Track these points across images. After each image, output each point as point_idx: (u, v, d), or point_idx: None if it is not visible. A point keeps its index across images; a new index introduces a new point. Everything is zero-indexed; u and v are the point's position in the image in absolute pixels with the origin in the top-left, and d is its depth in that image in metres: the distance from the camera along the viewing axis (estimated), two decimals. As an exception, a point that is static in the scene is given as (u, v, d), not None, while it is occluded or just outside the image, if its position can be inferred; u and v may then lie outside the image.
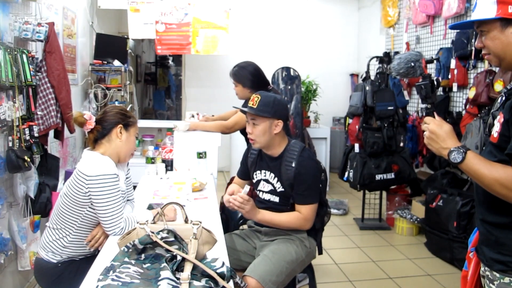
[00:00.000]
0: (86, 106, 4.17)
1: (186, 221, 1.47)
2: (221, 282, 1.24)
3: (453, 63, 3.94)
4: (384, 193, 4.48)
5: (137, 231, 1.39)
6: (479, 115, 3.50)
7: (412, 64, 1.64)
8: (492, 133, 1.29)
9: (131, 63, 5.49)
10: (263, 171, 2.20)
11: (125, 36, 4.93)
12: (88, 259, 1.86)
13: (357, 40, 6.86)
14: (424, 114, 4.28)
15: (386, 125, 4.13)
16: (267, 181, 2.19)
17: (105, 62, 4.37)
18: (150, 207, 2.12)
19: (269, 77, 4.04)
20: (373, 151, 4.10)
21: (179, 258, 1.27)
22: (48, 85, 2.73)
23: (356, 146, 4.33)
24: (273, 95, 2.15)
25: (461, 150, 1.26)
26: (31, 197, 2.63)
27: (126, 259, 1.30)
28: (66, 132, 3.03)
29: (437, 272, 3.36)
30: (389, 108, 4.09)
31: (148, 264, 1.28)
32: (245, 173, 2.36)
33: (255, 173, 2.25)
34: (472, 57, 3.71)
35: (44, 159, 2.79)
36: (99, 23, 4.88)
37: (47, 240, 1.91)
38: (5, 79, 2.26)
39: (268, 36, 6.53)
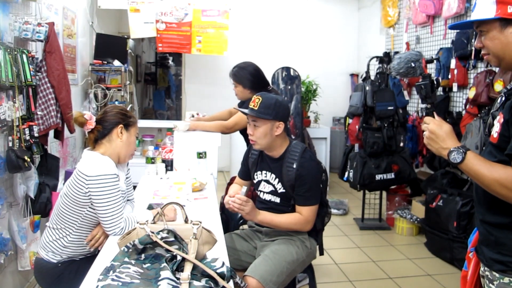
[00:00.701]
0: (86, 106, 4.17)
1: (186, 221, 1.47)
2: (221, 282, 1.24)
3: (453, 63, 3.94)
4: (384, 193, 4.48)
5: (137, 231, 1.39)
6: (479, 115, 3.50)
7: (412, 64, 1.64)
8: (492, 133, 1.29)
9: (131, 63, 5.49)
10: (264, 172, 2.20)
11: (125, 36, 4.94)
12: (88, 259, 1.86)
13: (357, 40, 6.86)
14: (424, 114, 4.29)
15: (386, 125, 4.13)
16: (268, 181, 2.18)
17: (105, 62, 4.37)
18: (150, 207, 2.12)
19: (269, 77, 4.04)
20: (373, 151, 4.10)
21: (179, 258, 1.27)
22: (48, 85, 2.73)
23: (356, 146, 4.34)
24: (274, 96, 2.14)
25: (461, 150, 1.25)
26: (31, 197, 2.63)
27: (126, 259, 1.30)
28: (66, 132, 3.03)
29: (437, 272, 3.37)
30: (389, 108, 4.09)
31: (148, 264, 1.28)
32: (246, 173, 2.36)
33: (256, 174, 2.24)
34: (472, 57, 3.71)
35: (44, 159, 2.79)
36: (99, 23, 4.88)
37: (47, 240, 1.91)
38: (5, 79, 2.26)
39: (268, 36, 6.53)
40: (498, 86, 3.25)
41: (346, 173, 4.32)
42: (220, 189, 3.46)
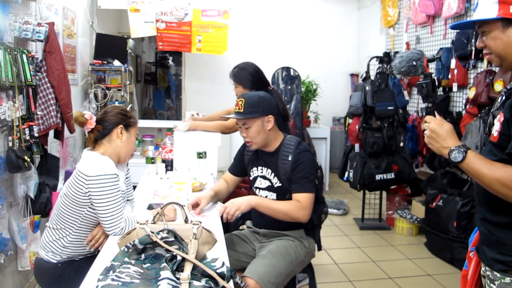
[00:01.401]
0: (86, 106, 4.17)
1: (186, 221, 1.47)
2: (221, 282, 1.24)
3: (453, 63, 3.94)
4: (384, 193, 4.48)
5: (137, 231, 1.39)
6: (479, 115, 3.50)
7: (414, 62, 1.64)
8: (492, 132, 1.29)
9: (131, 63, 5.48)
10: (259, 168, 2.20)
11: (125, 36, 4.93)
12: (88, 259, 1.86)
13: (357, 40, 6.86)
14: (424, 113, 4.29)
15: (386, 125, 4.13)
16: (264, 177, 2.18)
17: (105, 62, 4.37)
18: (150, 207, 2.12)
19: (269, 77, 4.04)
20: (373, 151, 4.10)
21: (179, 258, 1.27)
22: (48, 85, 2.73)
23: (356, 146, 4.33)
24: (255, 93, 2.14)
25: (462, 149, 1.25)
26: (31, 197, 2.63)
27: (126, 259, 1.30)
28: (66, 132, 3.03)
29: (437, 272, 3.37)
30: (389, 108, 4.10)
31: (148, 264, 1.28)
32: (238, 168, 2.35)
33: (251, 170, 2.24)
34: (472, 57, 3.71)
35: (44, 159, 2.79)
36: (99, 23, 4.88)
37: (47, 240, 1.91)
38: (5, 79, 2.26)
39: (268, 36, 6.53)
40: (498, 86, 3.25)
41: (346, 173, 4.33)
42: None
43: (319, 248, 2.34)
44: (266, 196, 2.18)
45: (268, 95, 2.16)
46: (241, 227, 2.51)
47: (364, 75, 4.44)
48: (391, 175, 4.10)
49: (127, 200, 2.06)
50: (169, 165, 2.93)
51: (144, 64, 8.02)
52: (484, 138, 3.16)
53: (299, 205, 2.01)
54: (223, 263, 1.31)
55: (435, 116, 1.38)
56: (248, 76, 2.88)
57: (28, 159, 2.41)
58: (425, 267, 3.46)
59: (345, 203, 4.95)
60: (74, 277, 1.83)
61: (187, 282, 1.20)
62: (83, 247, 1.92)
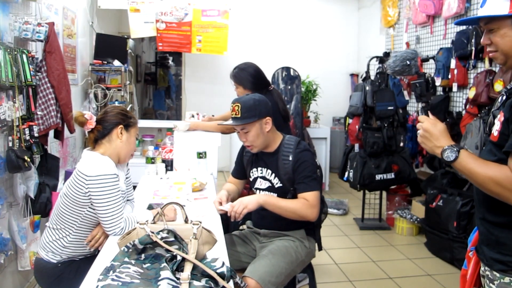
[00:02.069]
0: (86, 106, 4.17)
1: (186, 221, 1.47)
2: (221, 282, 1.24)
3: (453, 63, 3.94)
4: (384, 193, 4.48)
5: (137, 231, 1.39)
6: (479, 115, 3.50)
7: (408, 62, 1.63)
8: (492, 132, 1.28)
9: (131, 63, 5.48)
10: (259, 169, 2.20)
11: (125, 36, 4.93)
12: (88, 259, 1.86)
13: (357, 40, 6.86)
14: (422, 113, 4.29)
15: (386, 125, 4.13)
16: (264, 178, 2.18)
17: (105, 62, 4.37)
18: (150, 207, 2.12)
19: (269, 77, 4.04)
20: (373, 151, 4.10)
21: (179, 258, 1.27)
22: (48, 85, 2.73)
23: (356, 146, 4.33)
24: (250, 96, 2.11)
25: (455, 149, 1.25)
26: (31, 197, 2.63)
27: (126, 259, 1.30)
28: (66, 132, 3.03)
29: (437, 272, 3.37)
30: (389, 108, 4.09)
31: (148, 264, 1.28)
32: (240, 172, 2.34)
33: (251, 171, 2.24)
34: (472, 57, 3.71)
35: (44, 159, 2.79)
36: (99, 23, 4.88)
37: (47, 240, 1.91)
38: (5, 79, 2.26)
39: (268, 36, 6.53)
40: (498, 86, 3.24)
41: (346, 173, 4.33)
42: (220, 189, 3.45)
43: (320, 248, 2.34)
44: None
45: (263, 97, 2.14)
46: (241, 227, 2.50)
47: (364, 75, 4.44)
48: (391, 175, 4.10)
49: (127, 200, 2.06)
50: (169, 165, 2.93)
51: (144, 64, 8.02)
52: (484, 138, 3.16)
53: (307, 203, 1.99)
54: (223, 263, 1.31)
55: (428, 115, 1.38)
56: (248, 77, 2.87)
57: (28, 159, 2.41)
58: (425, 267, 3.46)
59: (345, 203, 4.95)
60: (74, 277, 1.83)
61: (187, 282, 1.20)
62: (83, 247, 1.92)
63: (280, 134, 2.18)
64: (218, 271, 1.26)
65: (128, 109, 2.27)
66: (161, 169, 2.81)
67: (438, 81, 4.15)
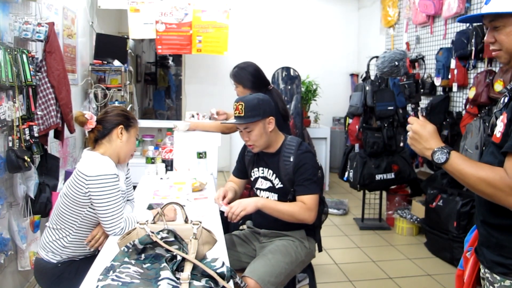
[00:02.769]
0: (86, 106, 4.17)
1: (186, 221, 1.47)
2: (221, 282, 1.24)
3: (453, 63, 3.94)
4: (384, 193, 4.48)
5: (137, 231, 1.39)
6: (479, 115, 3.50)
7: (396, 63, 1.62)
8: (494, 133, 1.25)
9: (131, 63, 5.49)
10: (260, 169, 2.20)
11: (125, 36, 4.93)
12: (88, 259, 1.86)
13: (357, 40, 6.86)
14: (422, 114, 4.29)
15: (386, 125, 4.13)
16: (265, 178, 2.18)
17: (105, 62, 4.37)
18: (150, 207, 2.12)
19: (269, 77, 4.04)
20: (373, 151, 4.10)
21: (179, 258, 1.27)
22: (48, 85, 2.73)
23: (356, 146, 4.33)
24: (254, 95, 2.11)
25: (445, 151, 1.23)
26: (31, 197, 2.63)
27: (126, 259, 1.30)
28: (66, 132, 3.03)
29: (437, 272, 3.37)
30: (389, 108, 4.10)
31: (148, 264, 1.28)
32: (241, 171, 2.34)
33: (252, 171, 2.24)
34: (472, 57, 3.71)
35: (44, 159, 2.79)
36: (99, 23, 4.88)
37: (47, 240, 1.91)
38: (5, 79, 2.26)
39: (268, 36, 6.53)
40: (498, 86, 3.24)
41: (346, 173, 4.33)
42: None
43: (320, 250, 2.34)
44: (268, 197, 2.18)
45: (266, 97, 2.14)
46: (241, 227, 2.50)
47: (364, 75, 4.44)
48: (391, 175, 4.10)
49: (127, 200, 2.06)
50: (169, 165, 2.93)
51: (144, 64, 8.03)
52: (485, 139, 3.16)
53: (304, 206, 2.00)
54: (223, 263, 1.31)
55: (418, 117, 1.35)
56: (248, 76, 2.87)
57: (28, 159, 2.41)
58: (425, 267, 3.46)
59: (345, 203, 4.95)
60: (74, 277, 1.83)
61: (187, 282, 1.20)
62: (83, 247, 1.92)
63: (282, 135, 2.17)
64: (218, 271, 1.26)
65: (128, 109, 2.28)
66: (161, 169, 2.81)
67: (438, 81, 4.16)
